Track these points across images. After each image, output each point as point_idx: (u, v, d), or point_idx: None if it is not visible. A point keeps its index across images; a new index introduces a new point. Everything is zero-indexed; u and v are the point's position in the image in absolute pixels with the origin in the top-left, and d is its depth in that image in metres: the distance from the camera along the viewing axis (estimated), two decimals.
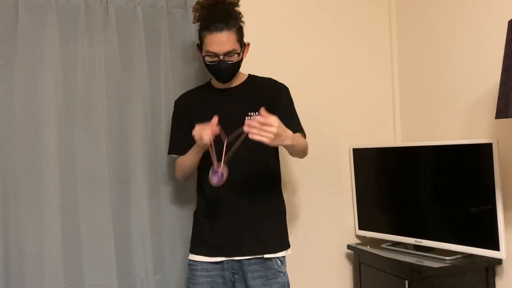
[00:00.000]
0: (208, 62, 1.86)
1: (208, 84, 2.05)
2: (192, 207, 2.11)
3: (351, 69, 2.62)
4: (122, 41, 2.14)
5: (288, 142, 1.68)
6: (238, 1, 1.94)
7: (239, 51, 1.86)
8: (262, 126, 1.57)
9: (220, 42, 1.80)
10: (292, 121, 1.92)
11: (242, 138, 1.68)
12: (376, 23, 2.67)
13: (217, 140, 1.73)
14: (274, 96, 1.96)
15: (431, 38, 2.43)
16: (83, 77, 2.09)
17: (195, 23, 1.99)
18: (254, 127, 1.57)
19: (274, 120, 1.59)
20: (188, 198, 2.21)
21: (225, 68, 1.85)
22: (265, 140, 1.58)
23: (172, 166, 2.21)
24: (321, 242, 2.54)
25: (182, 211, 2.22)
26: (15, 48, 2.00)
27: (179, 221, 2.22)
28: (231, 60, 1.84)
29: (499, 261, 2.04)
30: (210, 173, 1.75)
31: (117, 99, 2.14)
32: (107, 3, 2.11)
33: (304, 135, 1.97)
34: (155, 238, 2.17)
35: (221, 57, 1.82)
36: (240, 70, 1.98)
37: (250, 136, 1.58)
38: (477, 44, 2.16)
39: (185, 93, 2.07)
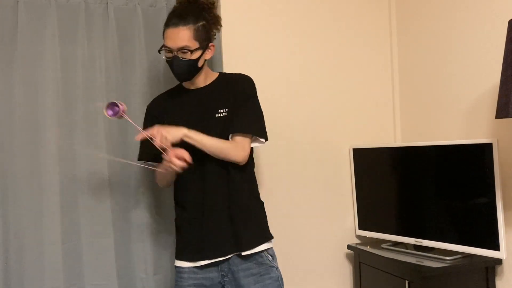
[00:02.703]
0: (164, 57, 1.85)
1: (179, 86, 2.00)
2: None
3: (351, 69, 2.62)
4: (122, 41, 2.14)
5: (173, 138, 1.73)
6: (214, 3, 1.90)
7: (193, 49, 1.80)
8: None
9: (174, 37, 1.78)
10: (239, 118, 1.86)
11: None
12: (376, 23, 2.67)
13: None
14: (238, 89, 1.91)
15: (431, 38, 2.43)
16: (83, 76, 2.09)
17: None
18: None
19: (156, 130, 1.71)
20: None
21: (178, 65, 1.82)
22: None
23: None
24: (321, 242, 2.54)
25: None
26: (15, 48, 2.00)
27: None
28: (184, 57, 1.81)
29: (499, 261, 2.04)
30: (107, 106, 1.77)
31: (117, 99, 2.12)
32: (107, 3, 2.11)
33: (260, 136, 1.89)
34: (155, 238, 2.17)
35: (175, 53, 1.80)
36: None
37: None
38: (477, 44, 2.16)
39: (156, 98, 2.04)
